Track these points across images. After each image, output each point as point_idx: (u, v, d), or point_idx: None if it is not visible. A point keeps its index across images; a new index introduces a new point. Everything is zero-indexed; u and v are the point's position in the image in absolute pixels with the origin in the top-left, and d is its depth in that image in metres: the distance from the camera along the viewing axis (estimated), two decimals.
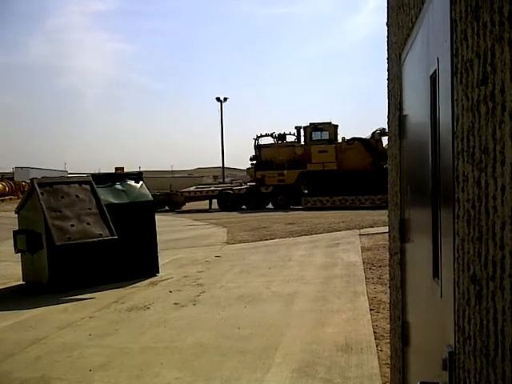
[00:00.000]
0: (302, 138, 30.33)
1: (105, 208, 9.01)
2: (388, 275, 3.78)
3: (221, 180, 53.28)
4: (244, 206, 29.30)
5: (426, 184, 2.02)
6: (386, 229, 3.74)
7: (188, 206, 31.33)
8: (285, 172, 28.80)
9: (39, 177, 9.90)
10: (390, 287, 3.61)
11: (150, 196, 10.29)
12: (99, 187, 9.42)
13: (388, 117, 3.44)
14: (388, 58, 3.41)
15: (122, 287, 8.77)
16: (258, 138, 30.83)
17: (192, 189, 32.90)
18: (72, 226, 8.55)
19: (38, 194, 8.59)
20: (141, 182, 10.21)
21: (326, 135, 29.58)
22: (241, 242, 14.77)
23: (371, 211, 21.32)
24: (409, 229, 2.71)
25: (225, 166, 54.45)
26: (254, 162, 30.69)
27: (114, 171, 10.87)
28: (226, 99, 50.58)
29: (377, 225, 15.51)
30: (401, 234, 2.87)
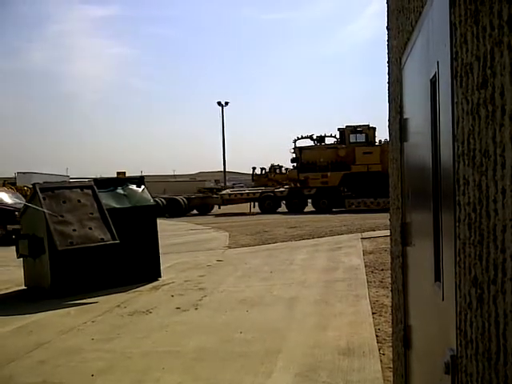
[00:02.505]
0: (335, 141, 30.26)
1: (107, 212, 9.02)
2: (390, 279, 3.77)
3: (222, 184, 53.27)
4: (281, 209, 28.84)
5: (426, 187, 2.02)
6: (388, 232, 3.74)
7: (223, 209, 30.89)
8: (328, 174, 28.46)
9: (41, 182, 9.92)
10: (391, 291, 3.60)
11: (152, 200, 10.30)
12: (101, 192, 9.43)
13: (389, 120, 3.44)
14: (388, 62, 3.42)
15: (124, 292, 8.76)
16: (296, 140, 30.61)
17: (229, 191, 32.60)
18: (74, 230, 8.56)
19: (40, 199, 8.60)
20: (142, 187, 10.22)
21: (363, 137, 29.42)
22: (243, 246, 14.76)
23: (373, 214, 21.31)
24: (410, 232, 2.71)
25: (226, 170, 54.50)
26: (294, 164, 30.46)
27: (115, 176, 10.90)
28: (227, 103, 50.71)
29: (378, 228, 15.50)
30: (402, 237, 2.87)
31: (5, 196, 18.64)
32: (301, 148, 30.31)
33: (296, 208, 28.27)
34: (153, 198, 32.18)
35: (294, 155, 30.60)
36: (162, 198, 31.67)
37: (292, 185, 30.66)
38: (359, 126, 29.59)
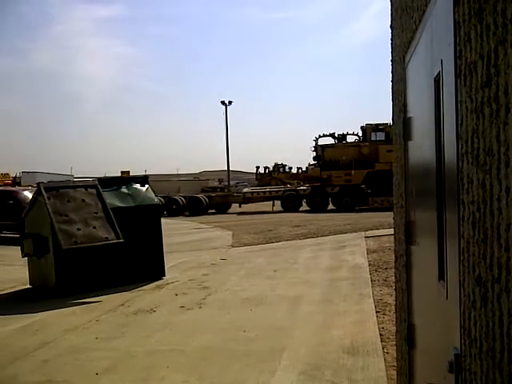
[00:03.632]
0: (358, 139, 30.12)
1: (111, 212, 9.04)
2: (394, 277, 3.77)
3: (226, 183, 53.28)
4: (304, 208, 28.54)
5: (430, 186, 2.02)
6: (392, 231, 3.73)
7: (243, 207, 30.56)
8: (352, 172, 28.22)
9: (45, 181, 9.94)
10: (395, 289, 3.60)
11: (156, 199, 10.31)
12: (105, 191, 9.45)
13: (392, 119, 3.43)
14: (392, 61, 3.41)
15: (128, 290, 8.78)
16: (317, 138, 30.47)
17: (250, 189, 32.35)
18: (78, 229, 8.58)
19: (45, 198, 8.63)
20: (146, 186, 10.24)
21: (382, 135, 29.20)
22: (246, 244, 14.77)
23: (377, 213, 21.27)
24: (414, 231, 2.71)
25: (230, 169, 54.49)
26: (315, 162, 30.31)
27: (119, 175, 10.92)
28: (230, 102, 50.60)
29: (382, 227, 15.47)
30: (406, 236, 2.87)
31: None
32: (323, 146, 30.11)
33: (319, 206, 27.92)
34: (171, 196, 31.92)
35: (314, 153, 30.36)
36: (182, 196, 31.64)
37: (300, 183, 30.46)
38: (380, 124, 29.52)
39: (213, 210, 30.59)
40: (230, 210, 31.29)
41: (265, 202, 30.51)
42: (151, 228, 9.84)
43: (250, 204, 30.67)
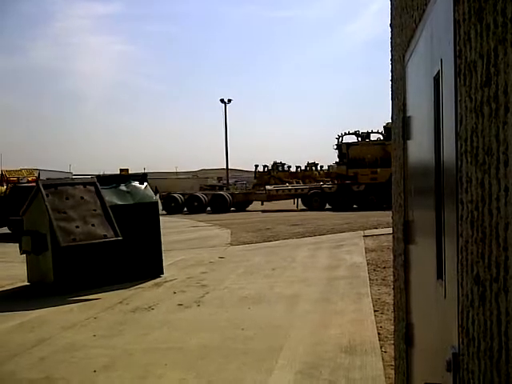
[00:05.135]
0: (381, 137, 29.85)
1: (109, 209, 9.03)
2: (392, 276, 3.77)
3: (225, 181, 53.30)
4: (329, 206, 28.10)
5: (429, 185, 2.02)
6: (390, 230, 3.74)
7: (264, 205, 29.98)
8: (378, 170, 27.79)
9: (44, 178, 9.93)
10: (393, 288, 3.60)
11: (155, 197, 10.30)
12: (104, 188, 9.45)
13: (392, 118, 3.43)
14: (391, 59, 3.41)
15: (126, 288, 8.78)
16: (341, 136, 30.22)
17: (273, 187, 31.74)
18: (77, 227, 8.58)
19: (43, 196, 8.62)
20: (145, 184, 10.23)
21: None
22: (244, 243, 14.77)
23: (375, 212, 21.29)
24: (413, 230, 2.71)
25: (229, 167, 54.51)
26: (337, 160, 30.08)
27: (118, 173, 10.92)
28: (230, 101, 50.63)
29: (381, 226, 15.49)
30: (405, 235, 2.87)
31: None
32: (348, 144, 29.77)
33: (344, 205, 27.32)
34: (193, 194, 31.67)
35: (337, 151, 30.02)
36: (203, 194, 31.45)
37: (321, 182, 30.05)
38: None
39: (232, 208, 30.18)
40: (250, 208, 30.77)
41: (285, 201, 30.06)
42: (150, 226, 9.84)
43: (268, 202, 30.16)
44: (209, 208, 29.71)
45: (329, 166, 32.31)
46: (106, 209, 9.02)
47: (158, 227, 10.05)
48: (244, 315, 6.84)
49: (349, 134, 30.44)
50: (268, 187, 31.47)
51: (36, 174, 23.99)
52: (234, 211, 29.59)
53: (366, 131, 30.47)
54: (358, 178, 28.26)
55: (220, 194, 30.84)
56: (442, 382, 1.69)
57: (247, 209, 30.58)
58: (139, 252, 9.55)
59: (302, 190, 29.92)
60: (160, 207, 30.71)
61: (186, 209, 30.02)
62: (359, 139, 30.17)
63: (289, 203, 29.88)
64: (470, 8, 1.32)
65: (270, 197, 30.07)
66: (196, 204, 29.79)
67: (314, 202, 28.60)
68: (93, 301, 8.05)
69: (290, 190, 30.43)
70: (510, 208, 1.04)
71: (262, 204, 30.65)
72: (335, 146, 30.49)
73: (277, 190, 30.38)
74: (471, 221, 1.34)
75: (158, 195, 31.56)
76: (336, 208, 27.40)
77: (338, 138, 30.44)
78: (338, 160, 30.65)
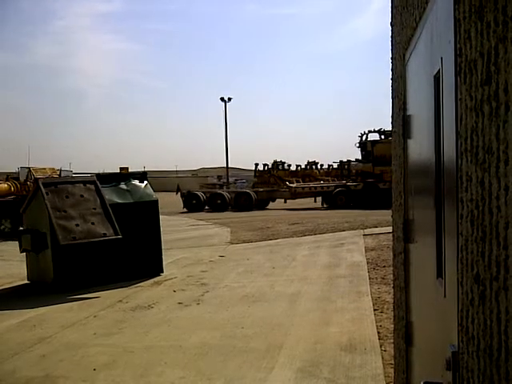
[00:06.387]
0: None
1: (109, 208, 9.03)
2: (392, 275, 3.77)
3: (225, 180, 53.31)
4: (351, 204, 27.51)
5: (429, 184, 2.02)
6: (390, 229, 3.74)
7: (278, 203, 29.68)
8: None
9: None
10: (393, 287, 3.60)
11: (155, 196, 10.30)
12: (104, 187, 9.44)
13: (392, 117, 3.43)
14: (392, 58, 3.40)
15: (126, 286, 8.79)
16: (365, 134, 29.96)
17: (297, 185, 31.35)
18: (77, 225, 8.58)
19: (43, 194, 8.62)
20: (145, 182, 10.23)
21: None
22: (244, 241, 14.77)
23: (375, 211, 21.29)
24: (413, 229, 2.71)
25: (229, 165, 54.49)
26: (360, 157, 29.94)
27: (118, 171, 10.90)
28: (230, 99, 50.60)
29: (381, 225, 15.48)
30: (405, 234, 2.87)
31: None
32: (373, 142, 29.55)
33: (370, 203, 26.51)
34: (217, 192, 31.30)
35: (359, 149, 29.84)
36: (227, 192, 31.23)
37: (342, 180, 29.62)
38: None
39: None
40: (271, 206, 30.33)
41: (304, 199, 29.75)
42: (150, 224, 9.84)
43: (290, 200, 29.83)
44: (217, 206, 29.36)
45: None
46: (106, 207, 9.02)
47: (157, 225, 10.05)
48: (244, 314, 6.84)
49: (373, 131, 30.23)
50: (292, 184, 30.93)
51: (58, 172, 24.04)
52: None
53: (389, 129, 30.29)
54: (383, 176, 28.01)
55: (245, 192, 30.42)
56: (442, 380, 1.70)
57: (267, 207, 30.02)
58: (139, 250, 9.55)
59: (328, 187, 29.47)
60: (181, 205, 30.15)
61: (207, 206, 29.55)
62: (382, 137, 30.00)
63: (309, 201, 29.60)
64: (470, 6, 1.32)
65: (295, 194, 29.68)
66: (219, 202, 29.40)
67: (338, 200, 28.02)
68: (93, 299, 8.05)
69: (315, 187, 30.00)
70: (510, 207, 1.04)
71: (285, 202, 30.30)
72: (357, 144, 30.32)
73: (303, 188, 29.99)
74: (471, 219, 1.34)
75: (179, 193, 31.60)
76: (361, 206, 26.71)
77: (361, 136, 30.23)
78: (360, 158, 30.28)
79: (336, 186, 29.22)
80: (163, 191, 30.99)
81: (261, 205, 29.93)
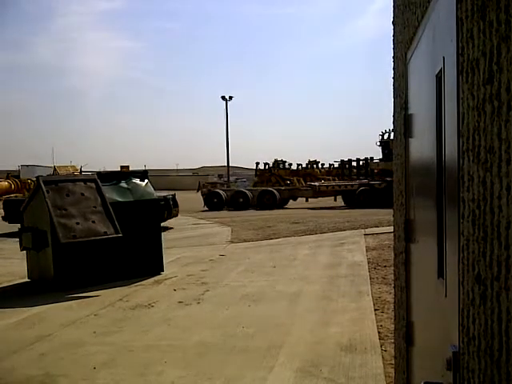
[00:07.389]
0: None
1: (110, 206, 9.03)
2: (393, 275, 3.77)
3: (225, 179, 53.31)
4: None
5: (431, 183, 2.01)
6: (391, 228, 3.73)
7: (298, 202, 29.36)
8: None
9: (45, 175, 9.93)
10: (394, 287, 3.60)
11: (155, 194, 10.30)
12: (104, 185, 9.44)
13: (393, 116, 3.43)
14: (394, 57, 3.40)
15: (126, 285, 8.79)
16: (386, 133, 29.69)
17: (321, 183, 31.25)
18: (77, 223, 8.58)
19: (44, 192, 8.62)
20: (146, 181, 10.23)
21: None
22: (245, 240, 14.77)
23: (375, 210, 21.28)
24: (414, 228, 2.70)
25: (230, 164, 54.49)
26: (381, 156, 29.95)
27: (119, 169, 10.92)
28: (231, 98, 50.60)
29: (382, 224, 15.49)
30: (406, 233, 2.86)
31: None
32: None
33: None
34: (239, 189, 31.16)
35: (380, 148, 29.81)
36: (248, 189, 31.11)
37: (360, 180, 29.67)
38: None
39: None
40: (289, 205, 29.94)
41: (323, 198, 29.62)
42: (150, 223, 9.84)
43: (311, 199, 29.69)
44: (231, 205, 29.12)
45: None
46: (107, 206, 9.02)
47: (158, 224, 10.05)
48: (244, 313, 6.84)
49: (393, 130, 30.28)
50: (315, 183, 30.71)
51: (78, 170, 24.34)
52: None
53: None
54: None
55: (268, 190, 29.95)
56: (443, 380, 1.69)
57: (285, 206, 29.57)
58: (139, 249, 9.55)
59: (352, 186, 29.12)
60: (202, 203, 30.19)
61: (227, 206, 29.20)
62: None
63: (328, 200, 29.45)
64: (472, 5, 1.31)
65: (317, 193, 29.31)
66: (242, 200, 29.00)
67: (361, 198, 27.50)
68: (93, 298, 8.06)
69: (339, 186, 29.69)
70: None
71: (307, 200, 30.06)
72: (378, 143, 30.23)
73: (327, 187, 29.61)
74: (472, 219, 1.33)
75: (199, 191, 31.44)
76: (384, 205, 26.88)
77: (381, 135, 30.16)
78: (381, 156, 30.14)
79: (360, 185, 28.87)
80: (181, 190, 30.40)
81: (281, 203, 29.54)
